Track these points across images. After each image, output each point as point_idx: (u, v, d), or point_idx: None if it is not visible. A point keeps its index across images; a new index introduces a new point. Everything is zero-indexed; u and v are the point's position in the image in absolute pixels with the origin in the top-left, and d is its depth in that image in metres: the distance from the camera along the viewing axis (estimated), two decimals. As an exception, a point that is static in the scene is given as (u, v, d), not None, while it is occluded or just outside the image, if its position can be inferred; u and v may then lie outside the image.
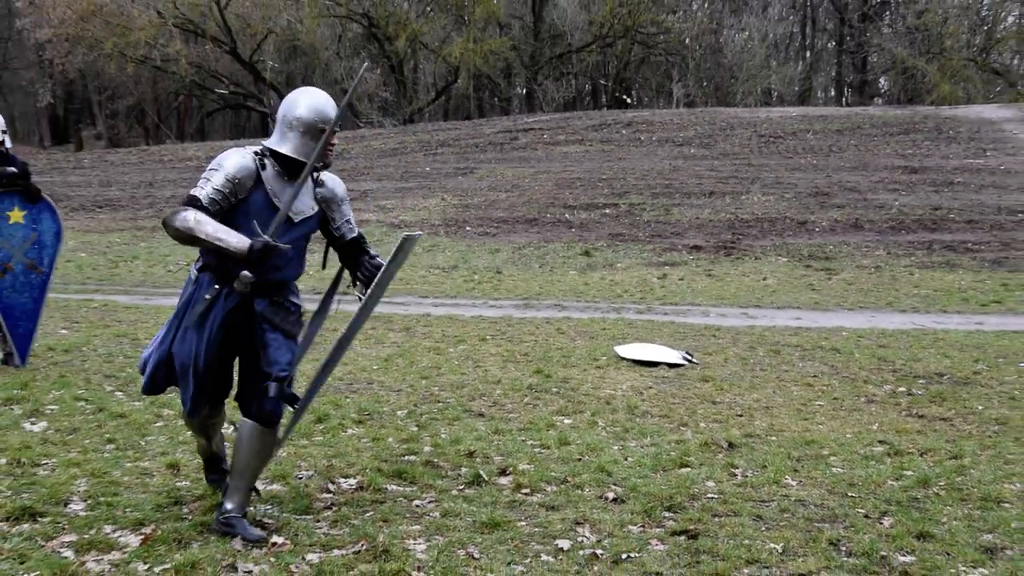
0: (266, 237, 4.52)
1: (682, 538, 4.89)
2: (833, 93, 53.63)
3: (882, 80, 53.46)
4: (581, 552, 4.69)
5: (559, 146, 31.86)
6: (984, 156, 27.15)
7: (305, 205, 4.88)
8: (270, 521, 4.95)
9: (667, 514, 5.25)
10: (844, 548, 4.81)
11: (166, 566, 4.37)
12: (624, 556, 4.66)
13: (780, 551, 4.74)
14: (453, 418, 7.45)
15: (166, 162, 34.97)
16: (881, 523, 5.18)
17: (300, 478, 5.77)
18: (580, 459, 6.30)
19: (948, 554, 4.74)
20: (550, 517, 5.16)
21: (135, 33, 43.82)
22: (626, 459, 6.34)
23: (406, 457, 6.25)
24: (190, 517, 5.00)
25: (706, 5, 52.71)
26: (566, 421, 7.44)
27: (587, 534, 4.93)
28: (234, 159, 4.69)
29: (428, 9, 48.83)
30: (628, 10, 46.26)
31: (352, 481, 5.72)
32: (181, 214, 4.49)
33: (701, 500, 5.51)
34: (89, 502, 5.19)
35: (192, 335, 4.76)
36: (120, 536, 4.72)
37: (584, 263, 20.20)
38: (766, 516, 5.26)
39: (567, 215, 24.06)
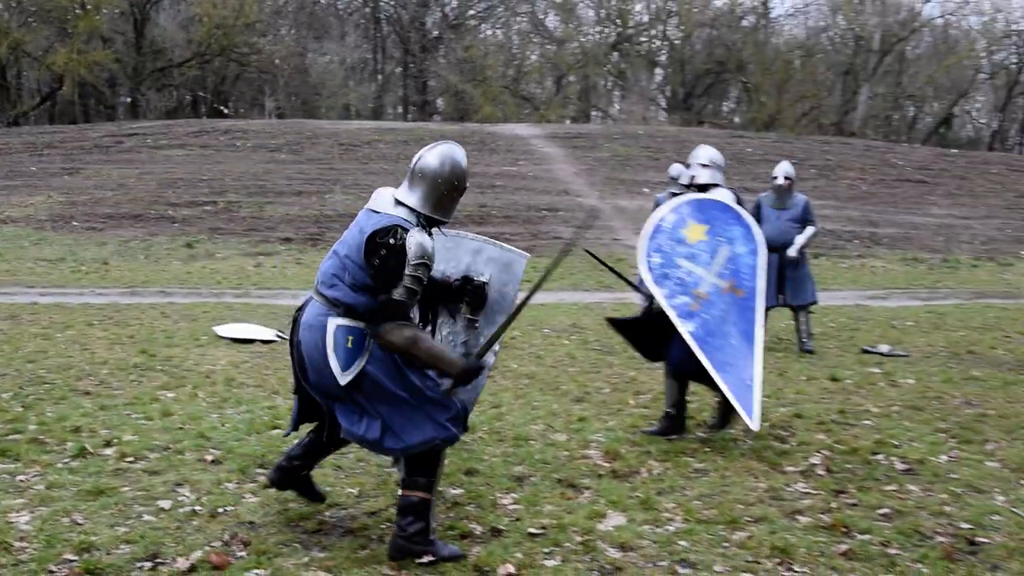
0: (475, 359, 3.99)
1: (272, 490, 4.81)
2: (401, 110, 54.81)
3: (439, 101, 55.45)
4: (181, 510, 4.49)
5: (162, 150, 30.07)
6: (517, 165, 28.93)
7: None
8: None
9: (260, 471, 5.14)
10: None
11: None
12: (221, 510, 4.51)
13: (356, 494, 4.80)
14: (60, 397, 6.84)
15: None
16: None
17: None
18: (182, 428, 6.02)
19: (488, 484, 5.02)
20: (153, 481, 4.88)
21: None
22: (224, 425, 6.14)
23: (10, 436, 5.65)
24: None
25: (293, 31, 52.02)
26: (169, 395, 7.08)
27: (187, 493, 4.73)
28: (428, 246, 3.80)
29: (30, 20, 44.21)
30: (224, 32, 44.55)
31: (-47, 463, 5.09)
32: (396, 333, 3.75)
33: (290, 456, 5.44)
34: None
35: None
36: None
37: (187, 254, 19.29)
38: (345, 466, 5.30)
39: (171, 211, 22.83)
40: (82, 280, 15.88)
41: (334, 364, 3.82)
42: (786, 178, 10.10)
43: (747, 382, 5.48)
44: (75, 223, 21.86)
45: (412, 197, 3.95)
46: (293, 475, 4.36)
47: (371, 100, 52.52)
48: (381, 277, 3.79)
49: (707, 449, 5.83)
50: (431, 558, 3.92)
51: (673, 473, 5.30)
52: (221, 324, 10.66)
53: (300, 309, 4.08)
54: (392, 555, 3.96)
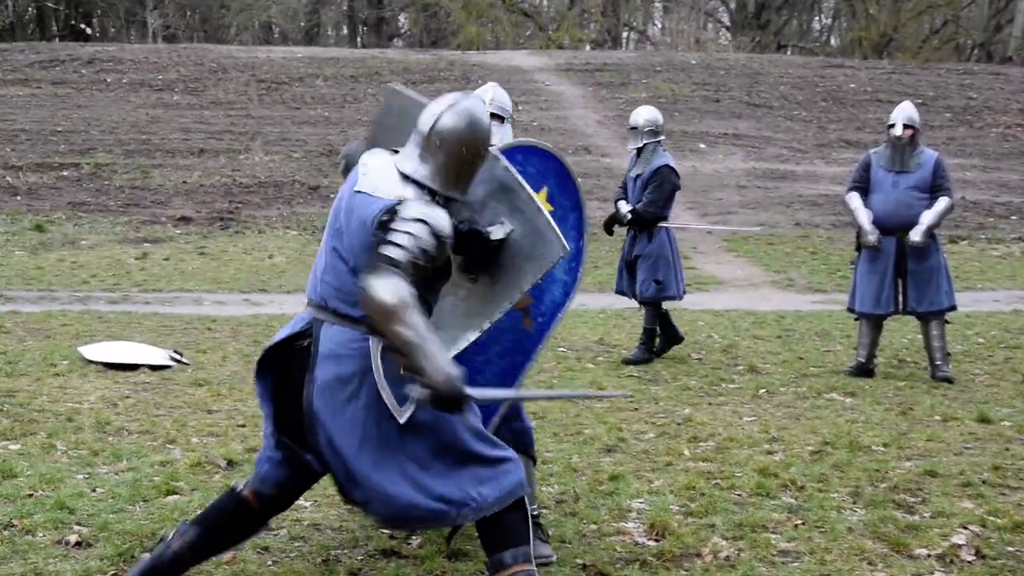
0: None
1: (167, 586, 4.80)
2: (346, 32, 54.91)
3: (402, 18, 55.47)
4: (33, 615, 4.48)
5: (-4, 87, 30.17)
6: (516, 111, 28.93)
7: None
8: None
9: (149, 556, 5.13)
10: (367, 577, 4.93)
11: None
12: (91, 615, 4.50)
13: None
14: None
15: None
16: (409, 543, 5.37)
17: None
18: (32, 495, 5.99)
19: (482, 573, 4.99)
20: (-9, 573, 4.87)
21: None
22: (95, 491, 6.11)
23: None
24: None
25: (187, -84, 52.00)
26: (13, 447, 7.05)
27: (41, 591, 4.71)
28: (443, 221, 4.23)
29: None
30: (86, -84, 44.69)
31: None
32: (385, 289, 3.97)
33: (193, 535, 5.43)
34: None
35: None
36: None
37: (36, 240, 19.27)
38: (274, 547, 5.29)
39: (9, 178, 22.84)
40: None
41: (388, 398, 4.17)
42: (907, 126, 10.09)
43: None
44: None
45: (423, 169, 4.30)
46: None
47: (303, 17, 52.49)
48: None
49: (798, 521, 5.82)
50: None
51: (749, 556, 5.29)
52: (90, 343, 10.63)
53: (298, 337, 4.36)
54: None
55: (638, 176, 10.73)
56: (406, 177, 4.28)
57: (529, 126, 27.38)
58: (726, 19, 55.12)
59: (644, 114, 10.87)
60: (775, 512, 5.98)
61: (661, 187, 10.56)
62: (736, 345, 11.61)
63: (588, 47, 48.53)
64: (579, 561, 5.18)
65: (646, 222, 10.56)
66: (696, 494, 6.27)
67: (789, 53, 46.37)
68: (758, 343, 11.80)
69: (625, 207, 10.67)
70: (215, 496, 6.02)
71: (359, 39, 52.98)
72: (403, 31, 55.16)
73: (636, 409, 8.55)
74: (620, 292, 11.06)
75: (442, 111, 4.28)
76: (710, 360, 10.78)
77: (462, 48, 41.77)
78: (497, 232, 4.63)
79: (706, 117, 28.91)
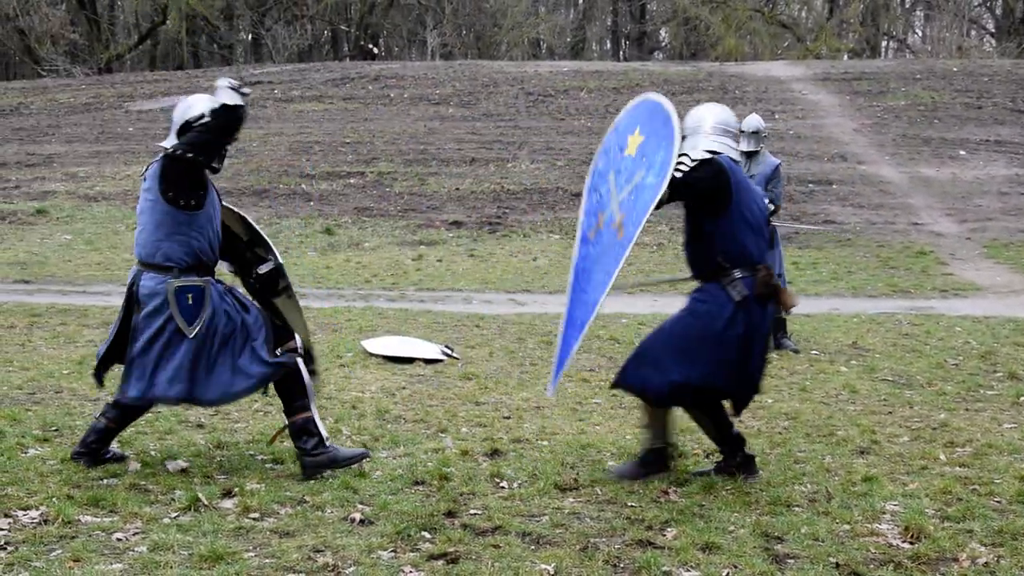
0: None
1: (440, 562, 4.92)
2: (609, 46, 55.14)
3: (662, 32, 55.36)
4: (321, 585, 4.66)
5: (293, 103, 31.46)
6: (773, 120, 28.46)
7: None
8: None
9: (424, 535, 5.27)
10: (623, 565, 4.95)
11: None
12: (372, 587, 4.65)
13: (552, 572, 4.84)
14: (165, 431, 7.24)
15: None
16: (664, 535, 5.36)
17: (-33, 513, 5.46)
18: (321, 475, 6.25)
19: (735, 567, 4.95)
20: (284, 545, 5.09)
21: None
22: (375, 473, 6.33)
23: (104, 481, 6.03)
24: None
25: (464, -60, 53.11)
26: (304, 430, 7.36)
27: (328, 562, 4.89)
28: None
29: (127, -66, 47.17)
30: (373, -57, 46.21)
31: (34, 513, 5.46)
32: None
33: (462, 517, 5.56)
34: None
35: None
36: None
37: (325, 242, 20.01)
38: (536, 533, 5.36)
39: (304, 186, 23.78)
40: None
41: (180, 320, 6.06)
42: None
43: (571, 341, 6.11)
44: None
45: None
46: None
47: (569, 33, 52.97)
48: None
49: (1062, 528, 5.56)
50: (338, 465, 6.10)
51: (1009, 564, 5.07)
52: (371, 337, 10.99)
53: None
54: (305, 475, 6.06)
55: (751, 176, 10.67)
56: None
57: (785, 134, 26.93)
58: (991, 25, 52.95)
59: (759, 121, 11.27)
60: (1038, 516, 5.73)
61: (781, 182, 11.26)
62: (995, 352, 11.13)
63: (846, 56, 47.39)
64: (832, 560, 5.07)
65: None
66: (953, 499, 6.06)
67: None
68: (1019, 350, 11.28)
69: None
70: (482, 483, 6.17)
71: (622, 52, 53.11)
72: (664, 44, 55.03)
73: (890, 412, 8.33)
74: None
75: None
76: (967, 366, 10.38)
77: (720, 60, 41.41)
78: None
79: (967, 124, 27.84)
